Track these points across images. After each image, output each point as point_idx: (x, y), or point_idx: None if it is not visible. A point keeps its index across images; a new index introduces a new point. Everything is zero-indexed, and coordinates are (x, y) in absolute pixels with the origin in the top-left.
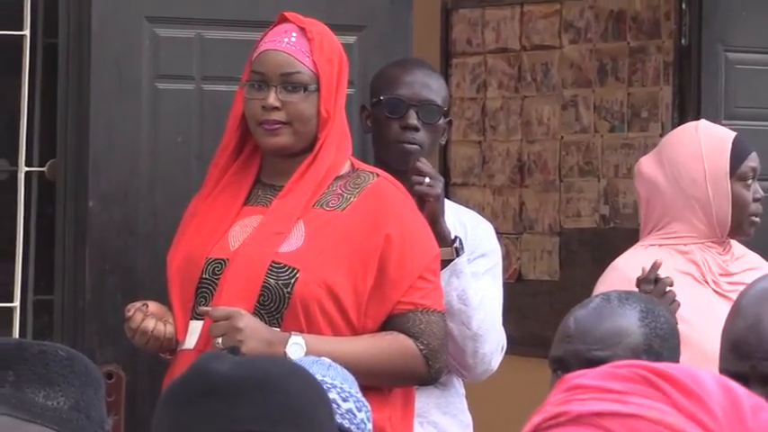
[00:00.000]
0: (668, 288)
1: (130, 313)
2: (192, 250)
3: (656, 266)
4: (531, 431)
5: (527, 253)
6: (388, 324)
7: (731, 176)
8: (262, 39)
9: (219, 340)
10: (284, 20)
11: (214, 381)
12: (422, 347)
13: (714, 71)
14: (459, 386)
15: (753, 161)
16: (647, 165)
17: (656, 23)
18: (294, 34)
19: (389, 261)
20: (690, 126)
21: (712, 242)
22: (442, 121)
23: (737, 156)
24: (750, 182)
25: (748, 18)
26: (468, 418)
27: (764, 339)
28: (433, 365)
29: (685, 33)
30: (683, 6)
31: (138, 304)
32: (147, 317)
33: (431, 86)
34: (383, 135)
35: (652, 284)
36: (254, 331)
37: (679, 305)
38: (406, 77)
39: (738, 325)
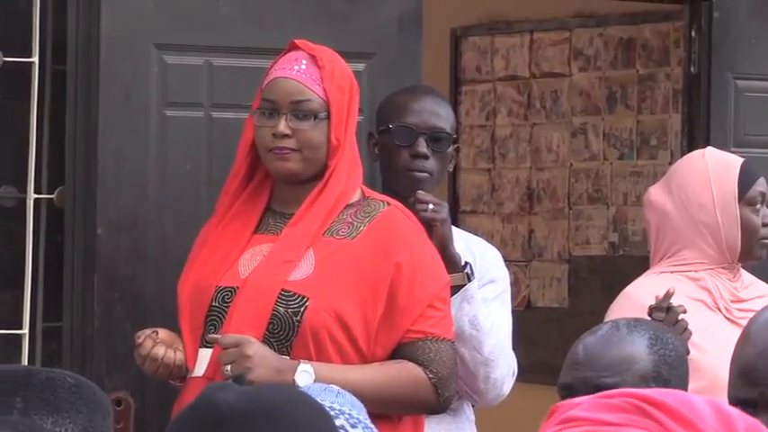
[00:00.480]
0: (680, 316)
1: (140, 340)
2: (202, 278)
3: (668, 295)
4: None
5: (536, 280)
6: (398, 352)
7: (739, 201)
8: (272, 66)
9: (228, 368)
10: (294, 47)
11: (221, 412)
12: (431, 376)
13: (723, 99)
14: (469, 412)
15: (761, 186)
16: (656, 193)
17: (666, 51)
18: (304, 62)
19: (399, 289)
20: (697, 153)
21: (723, 268)
22: (450, 148)
23: (745, 181)
24: (759, 206)
25: (758, 46)
26: None
27: None
28: (443, 394)
29: (694, 61)
30: (693, 34)
31: (147, 331)
32: (157, 344)
33: (440, 114)
34: (392, 163)
35: (664, 312)
36: (262, 359)
37: (691, 334)
38: (415, 105)
39: (747, 352)
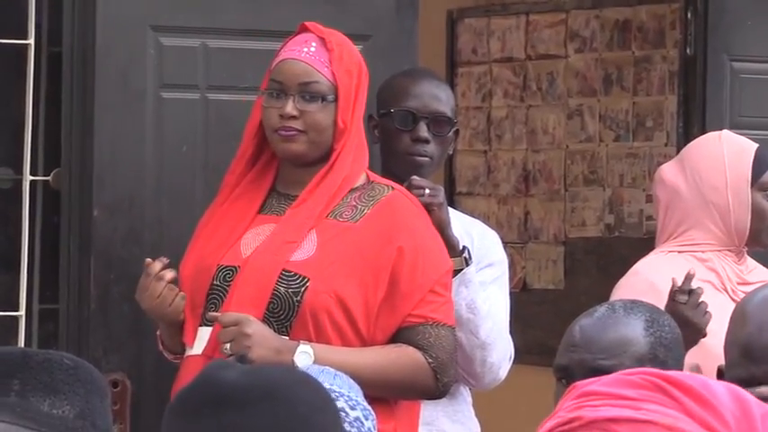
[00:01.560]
0: (701, 300)
1: (149, 261)
2: (203, 257)
3: (689, 277)
4: None
5: (532, 262)
6: (398, 336)
7: (752, 186)
8: (282, 48)
9: (227, 346)
10: (304, 29)
11: (223, 391)
12: (431, 360)
13: (719, 80)
14: (466, 394)
15: None
16: (668, 171)
17: (662, 33)
18: (314, 44)
19: (401, 274)
20: (713, 135)
21: (729, 251)
22: (450, 132)
23: (759, 166)
24: None
25: (754, 28)
26: (475, 425)
27: None
28: (441, 379)
29: (690, 43)
30: (689, 16)
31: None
32: (167, 269)
33: (440, 98)
34: (393, 147)
35: (687, 295)
36: (262, 338)
37: (711, 317)
38: (416, 89)
39: (747, 331)
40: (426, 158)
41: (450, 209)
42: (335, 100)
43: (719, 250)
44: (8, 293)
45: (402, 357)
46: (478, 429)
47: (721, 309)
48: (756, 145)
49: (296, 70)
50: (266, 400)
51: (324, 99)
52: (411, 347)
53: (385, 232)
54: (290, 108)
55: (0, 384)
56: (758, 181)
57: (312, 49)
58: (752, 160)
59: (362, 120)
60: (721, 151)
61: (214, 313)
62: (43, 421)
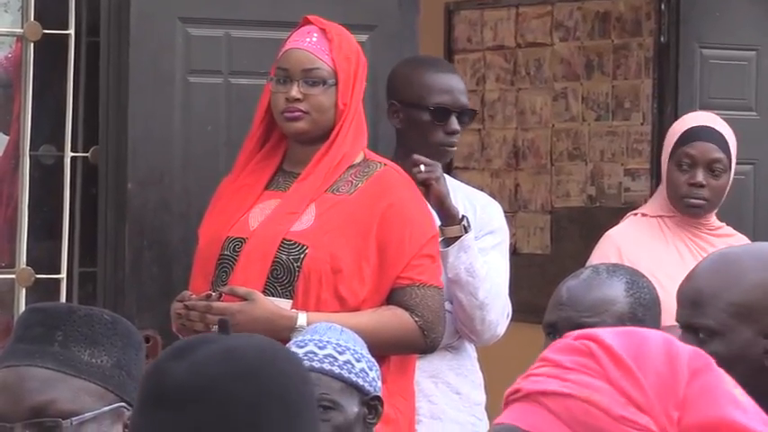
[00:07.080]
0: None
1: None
2: (215, 229)
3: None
4: (504, 401)
5: (522, 229)
6: (390, 298)
7: (669, 159)
8: (287, 39)
9: (215, 328)
10: (307, 22)
11: (164, 387)
12: (417, 319)
13: (690, 66)
14: (471, 350)
15: (694, 149)
16: None
17: (638, 23)
18: (316, 35)
19: (389, 241)
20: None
21: (683, 216)
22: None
23: (681, 141)
24: (685, 166)
25: (721, 18)
26: (479, 378)
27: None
28: (429, 335)
29: (664, 32)
30: (663, 7)
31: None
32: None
33: (463, 91)
34: (427, 138)
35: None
36: (250, 325)
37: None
38: (446, 84)
39: (688, 286)
40: (455, 148)
41: (457, 182)
42: (336, 84)
43: (674, 215)
44: (51, 258)
45: (391, 318)
46: (482, 381)
47: (683, 270)
48: (699, 124)
49: (300, 58)
50: (201, 402)
51: (325, 83)
52: (400, 309)
53: (374, 202)
54: (294, 92)
55: (45, 335)
56: (674, 154)
57: (314, 39)
58: (678, 135)
59: (361, 103)
60: (671, 129)
61: (225, 288)
62: (83, 369)
